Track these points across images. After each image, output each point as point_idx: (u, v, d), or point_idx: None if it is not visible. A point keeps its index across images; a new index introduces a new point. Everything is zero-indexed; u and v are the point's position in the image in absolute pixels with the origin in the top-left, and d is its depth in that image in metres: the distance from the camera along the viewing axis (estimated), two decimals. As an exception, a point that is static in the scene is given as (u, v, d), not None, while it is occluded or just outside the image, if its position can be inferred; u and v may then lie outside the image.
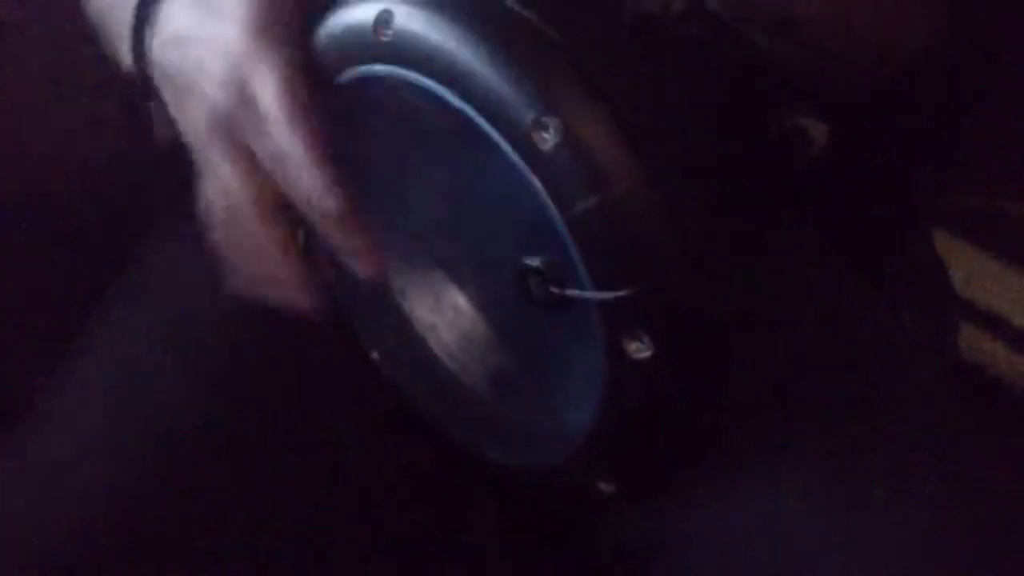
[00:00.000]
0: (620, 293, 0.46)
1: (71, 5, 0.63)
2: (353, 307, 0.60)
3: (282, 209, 0.53)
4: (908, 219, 0.77)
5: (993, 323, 0.98)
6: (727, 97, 0.54)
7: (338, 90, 0.52)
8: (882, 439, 0.57)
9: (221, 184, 0.53)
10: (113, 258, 0.68)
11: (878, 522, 0.54)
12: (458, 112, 0.47)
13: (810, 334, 0.61)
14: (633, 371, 0.48)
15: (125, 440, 0.58)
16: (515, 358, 0.57)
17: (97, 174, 0.62)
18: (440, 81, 0.47)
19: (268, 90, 0.50)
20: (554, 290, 0.49)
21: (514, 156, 0.46)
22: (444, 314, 0.59)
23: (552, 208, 0.46)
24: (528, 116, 0.45)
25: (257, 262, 0.54)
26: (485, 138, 0.47)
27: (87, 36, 0.61)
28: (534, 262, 0.50)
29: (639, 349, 0.48)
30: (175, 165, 0.65)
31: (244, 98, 0.51)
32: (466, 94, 0.47)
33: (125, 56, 0.56)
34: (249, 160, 0.52)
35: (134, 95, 0.57)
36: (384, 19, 0.49)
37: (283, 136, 0.50)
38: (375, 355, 0.60)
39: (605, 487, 0.55)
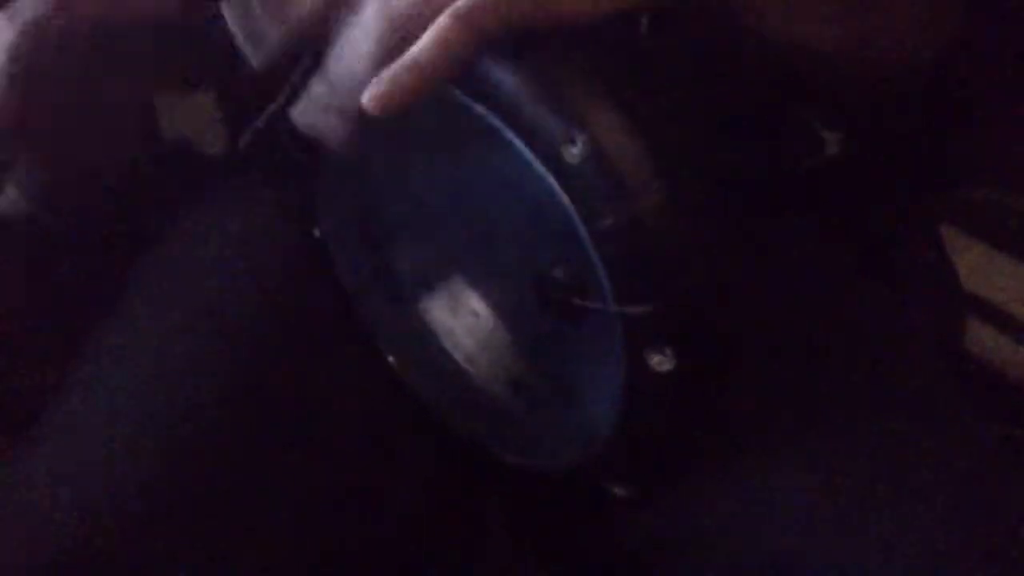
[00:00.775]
0: (644, 308, 0.46)
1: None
2: (368, 309, 0.60)
3: None
4: (914, 216, 0.77)
5: (997, 317, 0.98)
6: (745, 106, 0.54)
7: None
8: (887, 435, 0.57)
9: None
10: (119, 259, 0.68)
11: (883, 518, 0.54)
12: (484, 122, 0.47)
13: (816, 331, 0.62)
14: (654, 383, 0.48)
15: (133, 441, 0.58)
16: (533, 364, 0.57)
17: (98, 174, 0.61)
18: (467, 92, 0.47)
19: None
20: (576, 301, 0.49)
21: (540, 168, 0.46)
22: (462, 318, 0.59)
23: (577, 220, 0.46)
24: (556, 129, 0.45)
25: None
26: (511, 149, 0.47)
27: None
28: (557, 272, 0.50)
29: (661, 362, 0.48)
30: (180, 164, 0.65)
31: None
32: (494, 106, 0.47)
33: None
34: None
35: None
36: None
37: None
38: (391, 358, 0.60)
39: (620, 491, 0.55)
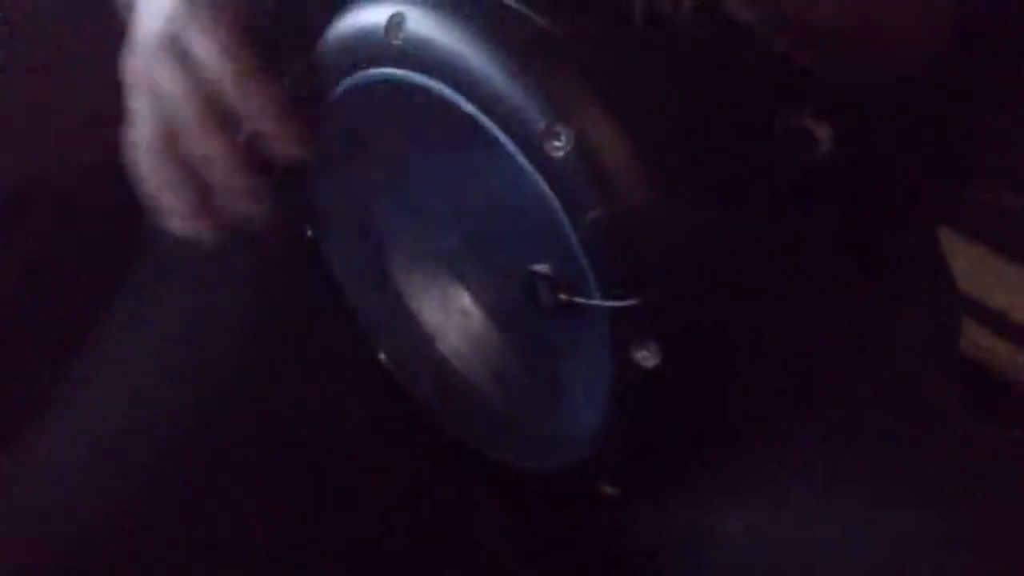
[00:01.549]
0: (630, 302, 0.46)
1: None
2: (360, 308, 0.60)
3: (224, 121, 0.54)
4: (911, 217, 0.77)
5: (994, 318, 0.98)
6: (736, 101, 0.54)
7: (348, 92, 0.52)
8: (885, 437, 0.57)
9: (161, 105, 0.54)
10: (117, 258, 0.68)
11: (881, 519, 0.54)
12: (469, 117, 0.47)
13: (811, 333, 0.61)
14: (640, 379, 0.48)
15: (130, 442, 0.58)
16: (522, 361, 0.57)
17: (97, 173, 0.61)
18: (451, 86, 0.47)
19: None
20: (562, 297, 0.49)
21: (525, 163, 0.46)
22: (452, 316, 0.59)
23: (562, 216, 0.46)
24: (541, 124, 0.45)
25: (207, 175, 0.54)
26: (496, 144, 0.47)
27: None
28: (543, 268, 0.50)
29: (647, 357, 0.48)
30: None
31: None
32: (478, 100, 0.47)
33: None
34: (192, 72, 0.54)
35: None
36: (396, 22, 0.49)
37: (216, 48, 0.52)
38: (382, 356, 0.60)
39: (609, 490, 0.55)
